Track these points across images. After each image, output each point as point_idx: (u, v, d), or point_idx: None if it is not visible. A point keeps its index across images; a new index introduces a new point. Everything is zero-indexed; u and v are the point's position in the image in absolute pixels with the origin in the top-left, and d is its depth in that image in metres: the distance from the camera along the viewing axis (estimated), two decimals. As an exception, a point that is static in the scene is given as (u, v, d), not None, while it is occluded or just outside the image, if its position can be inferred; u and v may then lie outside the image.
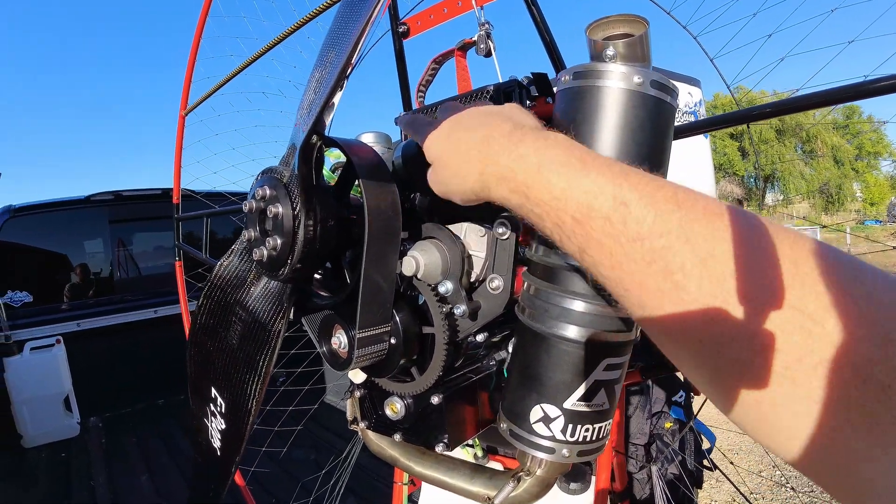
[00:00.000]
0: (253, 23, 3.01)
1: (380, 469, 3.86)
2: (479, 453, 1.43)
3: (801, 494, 4.74)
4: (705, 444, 2.59)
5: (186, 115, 2.92)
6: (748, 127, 1.15)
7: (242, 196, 4.95)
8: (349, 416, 1.05)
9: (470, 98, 1.04)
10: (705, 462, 2.50)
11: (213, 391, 0.98)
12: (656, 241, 0.43)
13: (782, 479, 5.06)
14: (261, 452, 3.30)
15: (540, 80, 1.15)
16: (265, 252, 0.73)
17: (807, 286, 0.38)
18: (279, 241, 0.71)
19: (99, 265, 5.95)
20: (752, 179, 45.26)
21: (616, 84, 0.65)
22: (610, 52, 0.69)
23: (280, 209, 0.70)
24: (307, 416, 3.63)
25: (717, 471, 2.44)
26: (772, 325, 0.38)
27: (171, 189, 3.22)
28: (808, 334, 0.37)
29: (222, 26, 2.88)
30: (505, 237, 0.77)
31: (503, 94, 1.03)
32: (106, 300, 5.76)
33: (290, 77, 3.32)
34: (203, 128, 3.17)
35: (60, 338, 5.04)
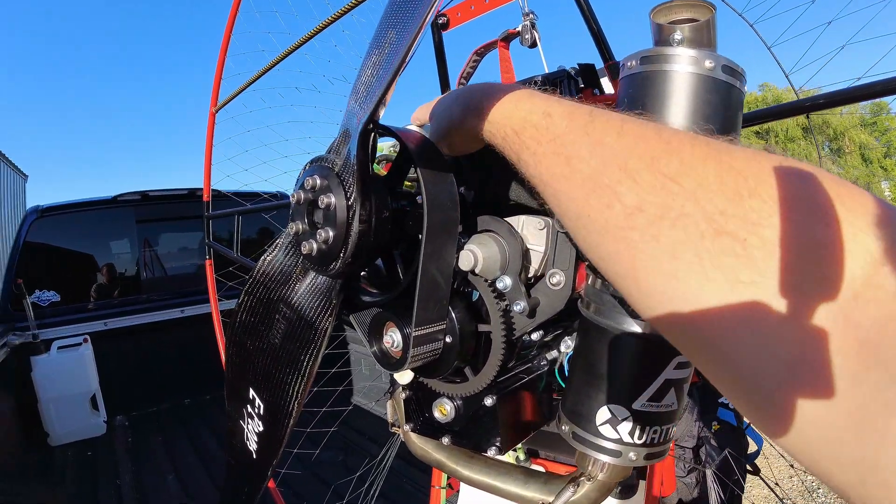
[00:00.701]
0: (285, 17, 2.99)
1: (413, 473, 3.83)
2: (522, 456, 1.38)
3: (832, 499, 4.67)
4: (751, 447, 2.52)
5: (217, 112, 2.90)
6: (808, 117, 1.11)
7: (272, 196, 4.97)
8: (390, 419, 1.02)
9: None
10: (748, 466, 2.43)
11: (252, 392, 0.95)
12: (566, 137, 0.52)
13: (813, 483, 4.99)
14: (291, 454, 3.28)
15: (587, 71, 1.12)
16: (315, 245, 0.69)
17: (672, 155, 0.44)
18: (331, 234, 0.67)
19: (126, 265, 6.00)
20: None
21: (686, 68, 0.62)
22: (677, 36, 0.65)
23: (333, 199, 0.66)
24: (340, 420, 3.61)
25: (759, 476, 2.38)
26: (641, 190, 0.44)
27: (198, 189, 3.21)
28: (666, 192, 0.42)
29: (253, 22, 2.86)
30: (566, 229, 0.73)
31: (551, 83, 1.00)
32: (133, 300, 5.81)
33: (324, 72, 3.30)
34: (234, 125, 3.15)
35: (88, 337, 5.09)
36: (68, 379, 4.90)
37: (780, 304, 0.36)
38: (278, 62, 2.31)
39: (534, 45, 1.31)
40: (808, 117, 1.12)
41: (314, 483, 3.89)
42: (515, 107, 0.60)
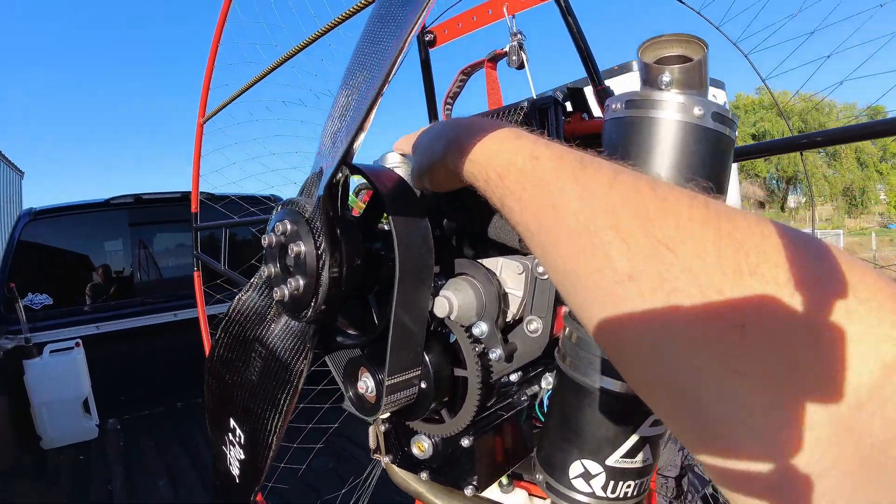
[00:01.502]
0: (273, 29, 2.96)
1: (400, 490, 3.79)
2: (505, 480, 1.37)
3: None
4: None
5: (205, 122, 2.87)
6: (802, 154, 1.11)
7: (264, 199, 4.96)
8: (371, 445, 1.01)
9: (502, 114, 0.99)
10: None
11: (232, 422, 0.94)
12: (554, 184, 0.48)
13: None
14: (279, 468, 3.26)
15: (575, 94, 1.10)
16: (286, 292, 0.67)
17: (668, 218, 0.40)
18: (301, 283, 0.65)
19: (119, 268, 5.98)
20: (773, 181, 44.86)
21: (674, 116, 0.59)
22: (666, 77, 0.62)
23: (303, 248, 0.64)
24: (328, 434, 3.59)
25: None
26: (634, 257, 0.40)
27: (190, 193, 3.18)
28: (660, 261, 0.38)
29: (241, 33, 2.83)
30: (545, 276, 0.72)
31: (538, 110, 0.98)
32: (126, 303, 5.77)
33: (310, 86, 3.27)
34: (222, 136, 3.12)
35: (80, 341, 5.06)
36: (60, 383, 4.87)
37: (773, 407, 0.32)
38: (265, 75, 2.27)
39: (521, 66, 1.29)
40: (801, 155, 1.10)
41: (304, 492, 3.86)
42: (500, 147, 0.56)
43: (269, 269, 0.72)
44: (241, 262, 3.25)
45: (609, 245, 0.41)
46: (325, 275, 0.64)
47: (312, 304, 0.66)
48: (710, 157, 0.60)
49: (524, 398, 0.91)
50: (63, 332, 5.22)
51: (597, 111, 1.14)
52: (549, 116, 0.97)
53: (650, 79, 0.64)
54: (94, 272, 5.78)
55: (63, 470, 4.69)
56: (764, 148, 1.12)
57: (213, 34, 2.68)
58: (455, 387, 0.78)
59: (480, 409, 0.77)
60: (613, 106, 0.64)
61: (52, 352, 4.94)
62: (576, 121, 1.09)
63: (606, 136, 0.65)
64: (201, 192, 3.18)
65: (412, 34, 0.57)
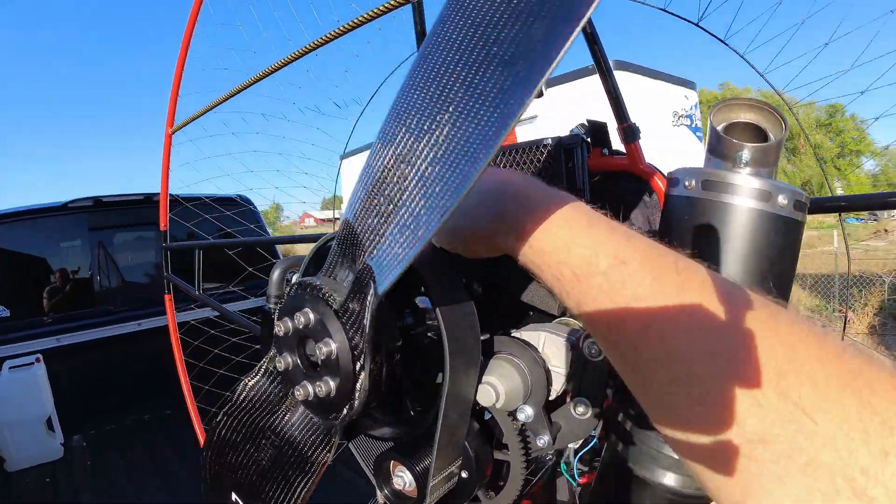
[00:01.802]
0: (250, 33, 2.78)
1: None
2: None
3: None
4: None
5: (174, 132, 2.65)
6: (840, 216, 1.09)
7: (228, 199, 4.77)
8: (380, 501, 0.94)
9: (524, 151, 0.93)
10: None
11: (235, 497, 0.85)
12: (653, 303, 0.41)
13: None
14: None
15: (597, 130, 1.04)
16: (312, 392, 0.59)
17: (802, 375, 0.35)
18: (333, 386, 0.56)
19: (78, 276, 5.70)
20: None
21: (752, 204, 0.54)
22: (745, 155, 0.56)
23: (333, 346, 0.55)
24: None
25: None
26: (767, 418, 0.36)
27: (154, 195, 2.98)
28: (797, 428, 0.34)
29: (215, 36, 2.64)
30: (599, 358, 0.64)
31: (564, 150, 0.92)
32: (87, 313, 5.52)
33: (294, 99, 3.12)
34: (192, 148, 2.92)
35: (40, 356, 4.84)
36: (22, 401, 4.63)
37: None
38: (244, 88, 2.04)
39: (539, 94, 1.22)
40: (840, 216, 1.10)
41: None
42: (571, 238, 0.47)
43: (284, 361, 0.63)
44: (209, 264, 3.06)
45: (736, 401, 0.37)
46: (363, 380, 0.55)
47: (347, 410, 0.57)
48: (787, 247, 0.56)
49: (549, 457, 0.86)
50: (22, 346, 4.98)
51: (617, 145, 1.09)
52: (574, 156, 0.91)
53: (724, 153, 0.57)
54: (52, 282, 5.52)
55: (30, 493, 4.50)
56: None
57: (182, 32, 2.43)
58: (495, 468, 0.72)
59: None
60: (686, 183, 0.57)
61: (11, 368, 4.71)
62: (596, 156, 1.03)
63: (676, 213, 0.59)
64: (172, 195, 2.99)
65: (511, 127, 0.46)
